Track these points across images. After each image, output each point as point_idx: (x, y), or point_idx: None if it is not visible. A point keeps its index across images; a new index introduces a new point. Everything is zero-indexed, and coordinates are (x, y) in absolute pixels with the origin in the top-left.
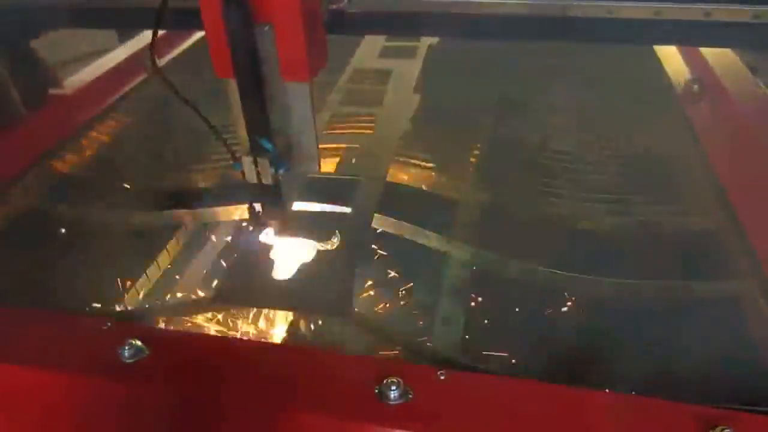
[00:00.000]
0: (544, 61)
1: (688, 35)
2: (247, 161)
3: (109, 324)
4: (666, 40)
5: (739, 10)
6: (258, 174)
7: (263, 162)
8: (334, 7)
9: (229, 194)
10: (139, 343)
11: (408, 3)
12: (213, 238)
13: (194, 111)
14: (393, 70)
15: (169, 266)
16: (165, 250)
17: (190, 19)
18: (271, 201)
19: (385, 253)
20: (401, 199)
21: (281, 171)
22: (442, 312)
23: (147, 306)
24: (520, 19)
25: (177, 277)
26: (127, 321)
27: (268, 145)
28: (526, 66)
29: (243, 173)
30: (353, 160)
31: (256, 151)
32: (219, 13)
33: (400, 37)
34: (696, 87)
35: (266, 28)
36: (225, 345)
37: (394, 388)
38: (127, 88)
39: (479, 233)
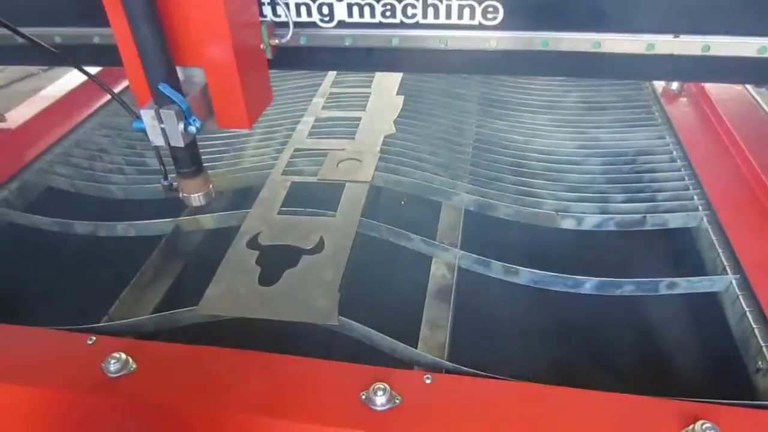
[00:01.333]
0: None
1: (685, 71)
2: (147, 115)
3: (93, 339)
4: (661, 76)
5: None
6: (164, 133)
7: (168, 115)
8: (277, 42)
9: None
10: (124, 356)
11: (365, 37)
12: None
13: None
14: (376, 73)
15: (153, 278)
16: (150, 261)
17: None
18: (185, 171)
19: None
20: (386, 202)
21: (194, 130)
22: (428, 315)
23: (132, 319)
24: (494, 55)
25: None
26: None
27: (177, 95)
28: None
29: (146, 133)
30: (337, 165)
31: (159, 101)
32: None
33: (356, 72)
34: (676, 85)
35: None
36: (212, 355)
37: (380, 393)
38: None
39: (464, 235)
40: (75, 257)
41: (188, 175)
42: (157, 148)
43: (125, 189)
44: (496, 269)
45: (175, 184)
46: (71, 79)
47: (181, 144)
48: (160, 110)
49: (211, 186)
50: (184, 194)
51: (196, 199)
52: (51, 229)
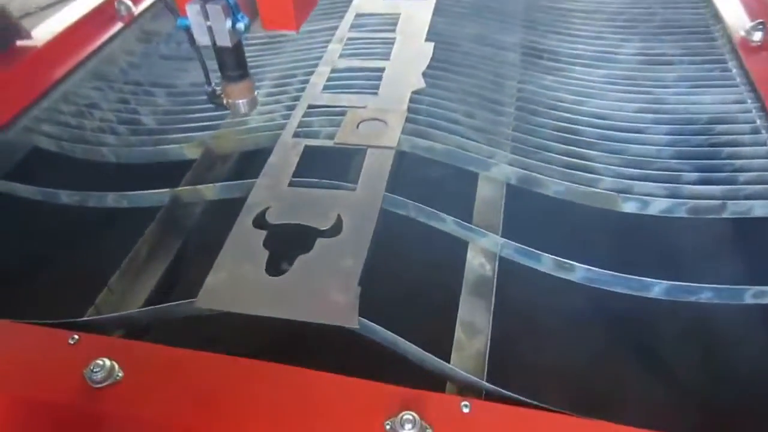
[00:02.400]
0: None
1: None
2: (193, 10)
3: (76, 338)
4: None
5: None
6: (210, 31)
7: (215, 11)
8: None
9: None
10: (109, 363)
11: None
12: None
13: None
14: (401, 14)
15: (147, 260)
16: (144, 239)
17: None
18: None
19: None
20: (415, 173)
21: (242, 27)
22: (463, 314)
23: (120, 313)
24: None
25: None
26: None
27: None
28: (555, 6)
29: (190, 35)
30: (357, 126)
31: None
32: None
33: None
34: (758, 35)
35: None
36: (209, 363)
37: (409, 426)
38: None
39: (504, 217)
40: (59, 232)
41: (234, 79)
42: (199, 51)
43: (117, 152)
44: (546, 263)
45: (219, 90)
46: (61, 20)
47: (228, 43)
48: (207, 5)
49: (256, 93)
50: (230, 101)
51: (242, 105)
52: (34, 198)
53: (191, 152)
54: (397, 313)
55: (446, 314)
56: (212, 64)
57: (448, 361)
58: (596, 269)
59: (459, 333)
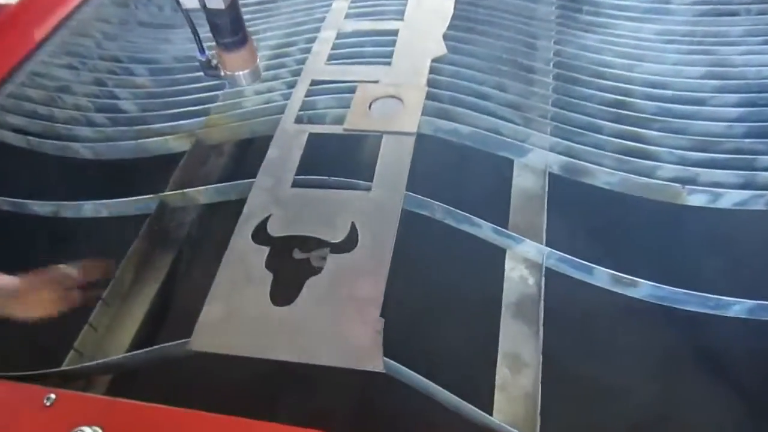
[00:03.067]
0: None
1: None
2: None
3: (52, 397)
4: None
5: None
6: None
7: None
8: None
9: None
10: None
11: None
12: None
13: None
14: None
15: (133, 284)
16: (128, 259)
17: None
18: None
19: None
20: (439, 163)
21: None
22: (506, 344)
23: (104, 360)
24: None
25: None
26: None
27: None
28: None
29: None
30: (369, 107)
31: None
32: None
33: None
34: None
35: None
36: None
37: None
38: None
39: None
40: (29, 248)
41: (231, 47)
42: (188, 14)
43: (93, 148)
44: (601, 278)
45: (214, 60)
46: None
47: (221, 5)
48: None
49: (258, 61)
50: (227, 72)
51: (243, 78)
52: (1, 208)
53: (179, 144)
54: (423, 342)
55: (485, 341)
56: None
57: (491, 404)
58: (666, 287)
59: (502, 368)
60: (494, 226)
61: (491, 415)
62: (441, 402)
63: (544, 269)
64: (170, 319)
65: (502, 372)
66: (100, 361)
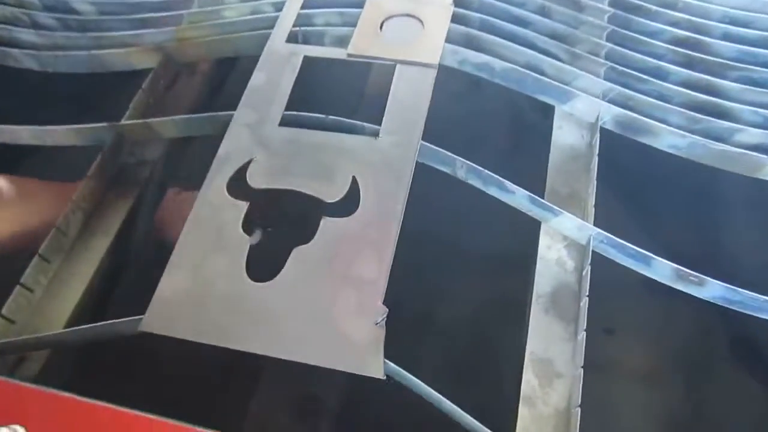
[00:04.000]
0: None
1: None
2: None
3: None
4: None
5: None
6: None
7: None
8: None
9: None
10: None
11: None
12: None
13: None
14: None
15: (80, 236)
16: (75, 203)
17: None
18: None
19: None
20: (464, 106)
21: None
22: (535, 345)
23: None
24: None
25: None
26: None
27: None
28: None
29: None
30: (381, 27)
31: None
32: None
33: None
34: None
35: None
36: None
37: None
38: None
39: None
40: None
41: None
42: None
43: (38, 57)
44: (662, 271)
45: None
46: None
47: None
48: None
49: None
50: None
51: None
52: None
53: (143, 60)
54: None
55: (509, 341)
56: None
57: (513, 419)
58: (742, 291)
59: (529, 375)
60: (530, 194)
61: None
62: (455, 419)
63: (590, 253)
64: (126, 281)
65: (528, 380)
66: (30, 336)
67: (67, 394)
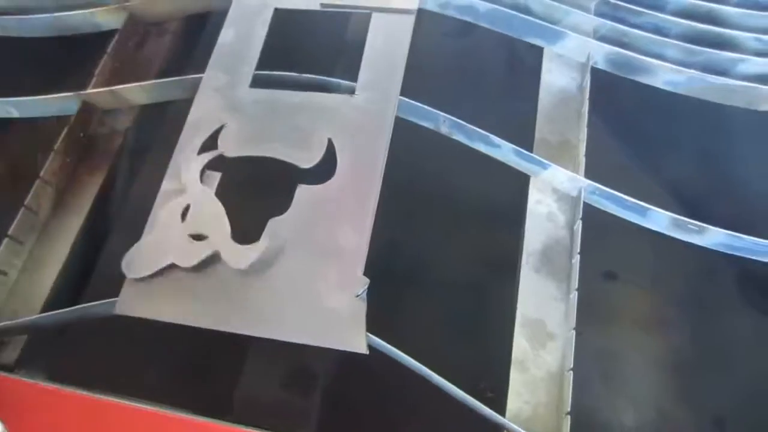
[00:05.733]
0: None
1: None
2: None
3: None
4: None
5: None
6: None
7: None
8: None
9: None
10: None
11: None
12: None
13: None
14: None
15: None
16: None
17: None
18: None
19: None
20: (446, 53)
21: None
22: (526, 309)
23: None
24: None
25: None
26: None
27: None
28: None
29: None
30: None
31: None
32: None
33: None
34: None
35: None
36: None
37: None
38: None
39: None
40: None
41: None
42: None
43: (2, 22)
44: (658, 220)
45: None
46: None
47: None
48: None
49: None
50: None
51: None
52: None
53: (108, 20)
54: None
55: (498, 303)
56: None
57: (505, 389)
58: (745, 237)
59: (520, 339)
60: (517, 148)
61: (504, 400)
62: (443, 391)
63: (582, 205)
64: (102, 260)
65: (519, 344)
66: (7, 322)
67: (47, 384)
